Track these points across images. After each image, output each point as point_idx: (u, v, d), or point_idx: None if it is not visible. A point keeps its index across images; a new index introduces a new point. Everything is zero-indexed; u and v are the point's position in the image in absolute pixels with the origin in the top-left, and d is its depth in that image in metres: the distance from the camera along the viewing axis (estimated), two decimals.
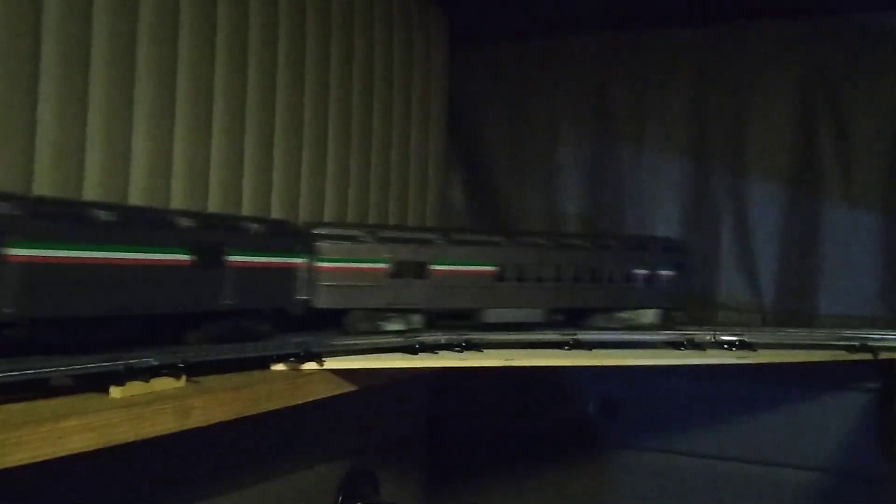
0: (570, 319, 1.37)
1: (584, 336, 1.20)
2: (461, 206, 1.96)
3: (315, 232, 1.12)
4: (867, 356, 1.26)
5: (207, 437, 0.84)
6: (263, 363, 0.97)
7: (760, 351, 1.23)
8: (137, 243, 0.84)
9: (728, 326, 1.48)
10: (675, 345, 1.23)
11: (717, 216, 1.73)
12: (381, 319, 1.17)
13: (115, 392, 0.77)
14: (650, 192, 1.78)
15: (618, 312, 1.38)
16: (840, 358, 1.26)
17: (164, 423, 0.77)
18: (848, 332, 1.32)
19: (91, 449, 0.70)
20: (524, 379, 1.57)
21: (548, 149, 1.88)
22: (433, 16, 1.78)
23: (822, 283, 1.63)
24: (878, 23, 1.61)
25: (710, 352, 1.22)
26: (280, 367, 0.97)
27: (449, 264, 1.22)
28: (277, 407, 0.92)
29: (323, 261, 1.11)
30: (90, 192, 1.05)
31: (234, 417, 0.86)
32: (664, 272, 1.42)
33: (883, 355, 1.26)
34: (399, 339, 1.10)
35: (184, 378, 0.84)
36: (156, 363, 0.81)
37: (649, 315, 1.41)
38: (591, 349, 1.18)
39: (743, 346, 1.23)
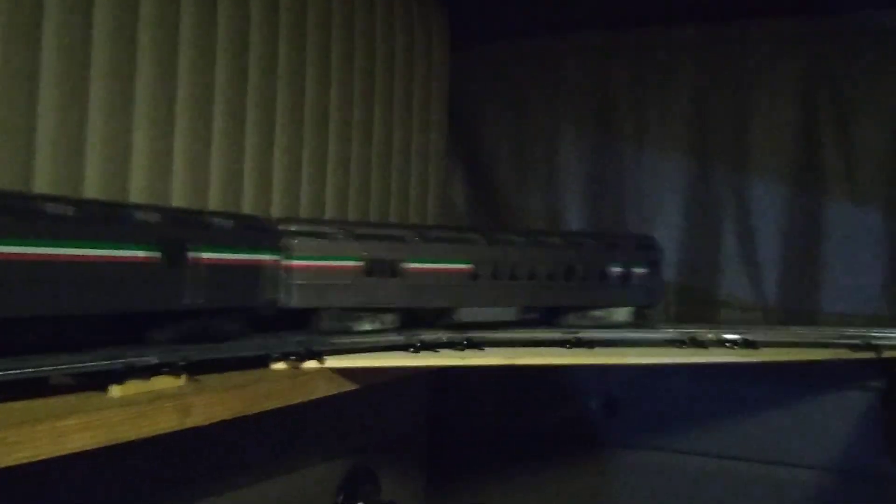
0: (543, 317, 1.37)
1: (585, 334, 1.20)
2: (462, 206, 1.96)
3: (286, 228, 1.08)
4: (870, 355, 1.25)
5: (208, 436, 0.83)
6: (264, 362, 0.97)
7: (763, 349, 1.22)
8: (95, 239, 0.79)
9: (730, 325, 1.48)
10: (677, 343, 1.23)
11: (718, 214, 1.72)
12: (352, 320, 1.14)
13: (114, 391, 0.77)
14: (651, 191, 1.77)
15: (591, 311, 1.38)
16: (843, 356, 1.26)
17: (164, 422, 0.77)
18: (851, 331, 1.32)
19: (91, 448, 0.69)
20: (525, 378, 1.58)
21: (548, 148, 1.87)
22: (433, 15, 1.78)
23: (824, 281, 1.63)
24: (878, 21, 1.61)
25: (712, 350, 1.22)
26: (280, 365, 0.97)
27: (423, 262, 1.20)
28: (278, 406, 0.92)
29: (294, 258, 1.07)
30: (90, 191, 1.04)
31: (234, 416, 0.85)
32: (638, 269, 1.42)
33: (886, 354, 1.26)
34: (400, 338, 1.10)
35: (184, 376, 0.84)
36: (156, 361, 0.81)
37: (622, 313, 1.41)
38: (592, 347, 1.17)
39: (745, 344, 1.23)
